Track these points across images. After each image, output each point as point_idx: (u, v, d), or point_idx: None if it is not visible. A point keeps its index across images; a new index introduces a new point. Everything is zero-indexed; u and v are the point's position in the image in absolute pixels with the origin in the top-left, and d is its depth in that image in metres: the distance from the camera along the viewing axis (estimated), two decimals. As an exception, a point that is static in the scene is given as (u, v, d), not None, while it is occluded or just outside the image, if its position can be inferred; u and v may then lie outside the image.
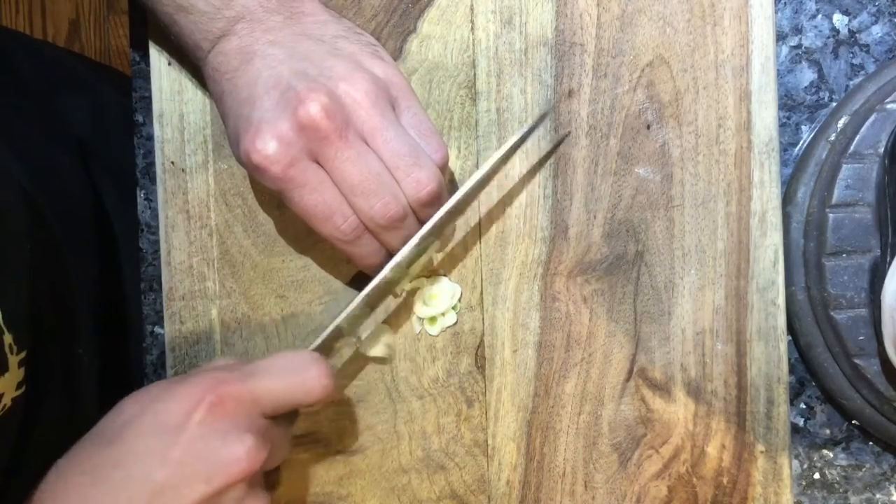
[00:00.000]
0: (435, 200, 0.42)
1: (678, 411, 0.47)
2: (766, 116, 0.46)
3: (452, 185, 0.48)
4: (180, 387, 0.39)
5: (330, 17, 0.44)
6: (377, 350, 0.48)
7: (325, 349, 0.44)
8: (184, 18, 0.42)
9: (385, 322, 0.48)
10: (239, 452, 0.38)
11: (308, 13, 0.43)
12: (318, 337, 0.43)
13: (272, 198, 0.48)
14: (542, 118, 0.46)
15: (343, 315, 0.43)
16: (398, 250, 0.43)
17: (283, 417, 0.42)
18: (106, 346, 0.55)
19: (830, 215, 0.46)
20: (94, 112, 0.63)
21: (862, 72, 0.49)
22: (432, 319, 0.48)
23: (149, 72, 0.49)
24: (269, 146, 0.40)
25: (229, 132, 0.43)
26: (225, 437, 0.38)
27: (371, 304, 0.45)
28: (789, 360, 0.47)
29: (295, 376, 0.40)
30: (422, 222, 0.43)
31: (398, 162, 0.41)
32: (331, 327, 0.43)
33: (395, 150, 0.41)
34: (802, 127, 0.50)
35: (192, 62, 0.46)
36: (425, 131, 0.43)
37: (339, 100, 0.40)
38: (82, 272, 0.54)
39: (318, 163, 0.41)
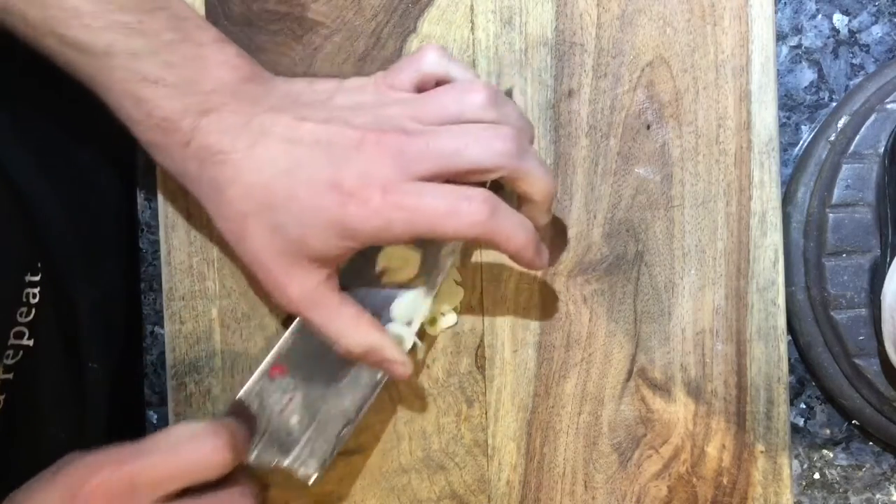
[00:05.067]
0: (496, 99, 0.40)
1: (678, 411, 0.47)
2: (766, 116, 0.46)
3: None
4: (50, 486, 0.36)
5: (291, 77, 0.42)
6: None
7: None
8: (152, 93, 0.38)
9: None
10: None
11: (271, 77, 0.42)
12: (243, 387, 0.43)
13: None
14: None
15: (269, 356, 0.43)
16: (539, 196, 0.40)
17: (234, 481, 0.40)
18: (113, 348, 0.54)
19: (830, 215, 0.46)
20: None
21: (862, 72, 0.49)
22: (432, 319, 0.48)
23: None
24: (374, 197, 0.36)
25: (273, 220, 0.38)
26: None
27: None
28: (789, 360, 0.47)
29: (185, 453, 0.37)
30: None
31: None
32: (262, 366, 0.43)
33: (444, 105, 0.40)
34: (802, 127, 0.50)
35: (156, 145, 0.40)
36: None
37: (387, 116, 0.39)
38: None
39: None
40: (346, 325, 0.40)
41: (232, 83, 0.39)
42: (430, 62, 0.41)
